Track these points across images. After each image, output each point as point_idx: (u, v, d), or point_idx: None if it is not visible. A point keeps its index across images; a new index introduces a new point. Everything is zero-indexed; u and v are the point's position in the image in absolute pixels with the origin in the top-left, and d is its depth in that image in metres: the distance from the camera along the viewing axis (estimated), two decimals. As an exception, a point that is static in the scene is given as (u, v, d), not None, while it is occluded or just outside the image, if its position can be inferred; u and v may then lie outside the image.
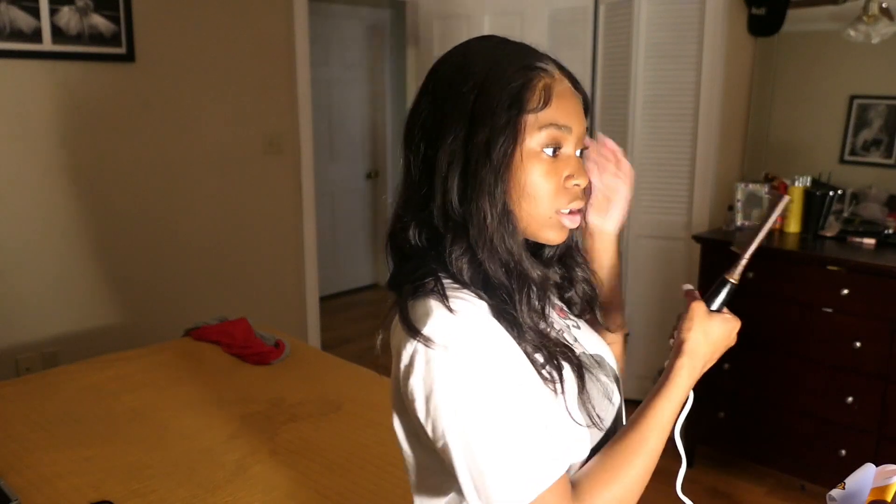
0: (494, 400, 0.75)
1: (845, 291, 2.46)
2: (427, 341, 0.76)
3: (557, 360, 0.81)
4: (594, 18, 3.41)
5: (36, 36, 2.71)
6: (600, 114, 3.45)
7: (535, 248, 0.91)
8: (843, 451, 2.51)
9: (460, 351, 0.75)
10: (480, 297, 0.80)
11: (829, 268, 2.51)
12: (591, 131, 0.89)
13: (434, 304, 0.77)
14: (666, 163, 3.26)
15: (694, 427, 2.92)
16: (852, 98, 2.86)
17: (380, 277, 5.58)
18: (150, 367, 2.39)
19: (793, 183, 2.81)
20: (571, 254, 0.95)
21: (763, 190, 2.90)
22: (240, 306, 3.24)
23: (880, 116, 2.81)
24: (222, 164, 3.33)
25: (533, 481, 0.75)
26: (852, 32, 2.73)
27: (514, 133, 0.79)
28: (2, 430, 1.96)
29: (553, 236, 0.84)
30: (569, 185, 0.82)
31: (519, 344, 0.79)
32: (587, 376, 0.84)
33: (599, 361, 0.90)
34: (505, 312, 0.80)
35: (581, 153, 0.86)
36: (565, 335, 0.89)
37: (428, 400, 0.77)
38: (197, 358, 2.49)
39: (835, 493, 0.83)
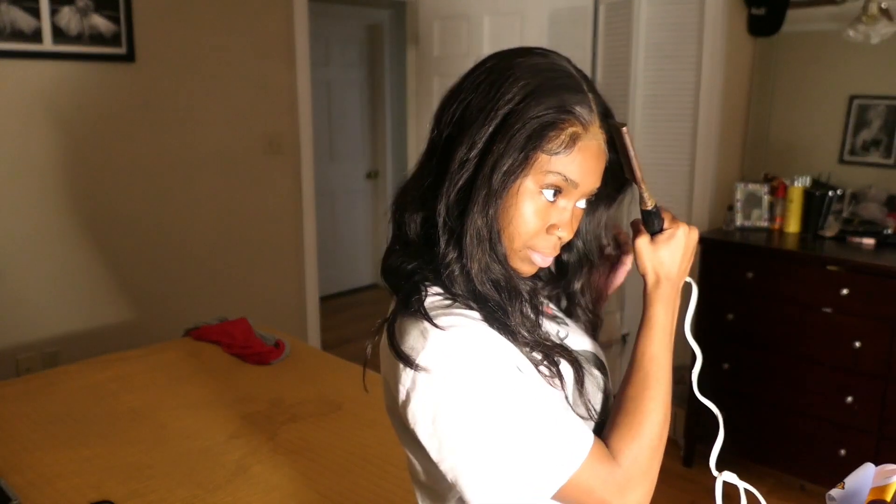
0: (498, 411, 0.75)
1: (845, 291, 2.46)
2: (425, 365, 0.76)
3: (554, 357, 0.82)
4: (594, 18, 3.40)
5: (36, 36, 2.71)
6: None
7: None
8: (843, 451, 2.51)
9: (457, 369, 0.76)
10: (471, 308, 0.80)
11: (829, 268, 2.51)
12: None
13: (426, 327, 0.77)
14: (666, 163, 3.26)
15: (694, 427, 2.92)
16: (852, 98, 2.86)
17: (380, 277, 5.58)
18: (150, 367, 2.39)
19: (793, 183, 2.81)
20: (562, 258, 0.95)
21: (763, 190, 2.90)
22: (240, 306, 3.24)
23: (880, 116, 2.81)
24: (222, 164, 3.33)
25: (564, 462, 0.76)
26: (852, 32, 2.73)
27: (523, 165, 0.78)
28: (2, 430, 1.96)
29: (523, 268, 0.84)
30: (552, 232, 0.82)
31: (515, 345, 0.80)
32: (584, 371, 0.85)
33: (586, 356, 0.91)
34: (497, 320, 0.80)
35: (587, 202, 0.85)
36: (556, 332, 0.90)
37: (432, 422, 0.77)
38: (197, 358, 2.49)
39: (834, 492, 0.83)
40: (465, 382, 0.75)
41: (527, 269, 0.84)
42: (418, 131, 4.20)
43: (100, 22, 2.86)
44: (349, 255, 5.39)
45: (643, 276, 0.88)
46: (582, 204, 0.84)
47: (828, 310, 2.51)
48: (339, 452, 1.87)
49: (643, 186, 0.85)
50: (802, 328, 2.59)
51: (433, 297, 0.81)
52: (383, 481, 1.74)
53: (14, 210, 2.78)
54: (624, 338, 3.43)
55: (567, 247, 0.94)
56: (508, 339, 0.79)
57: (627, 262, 0.99)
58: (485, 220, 0.78)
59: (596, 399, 0.87)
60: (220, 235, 3.38)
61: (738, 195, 2.92)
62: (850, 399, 2.48)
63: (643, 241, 0.87)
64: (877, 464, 0.83)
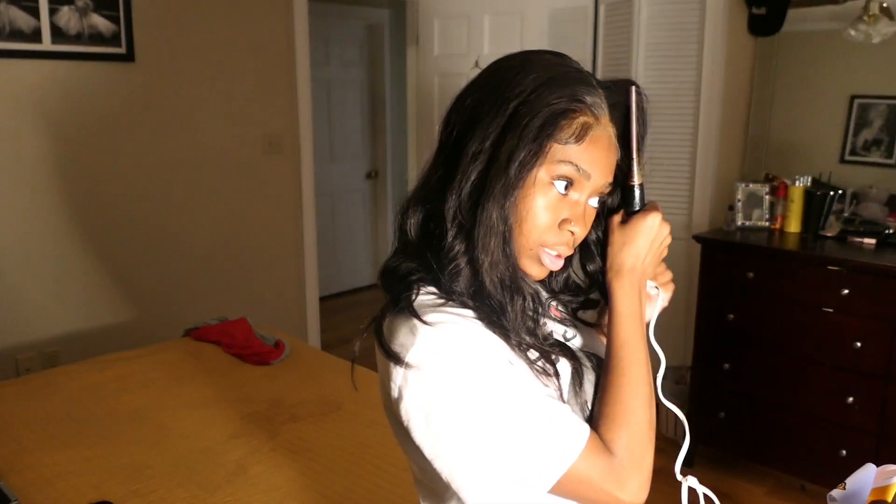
0: (489, 406, 0.75)
1: (845, 291, 2.46)
2: (416, 362, 0.76)
3: (550, 355, 0.81)
4: (594, 18, 3.40)
5: (36, 36, 2.71)
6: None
7: None
8: (844, 451, 2.51)
9: (446, 365, 0.75)
10: (465, 306, 0.80)
11: (830, 268, 2.50)
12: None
13: (415, 324, 0.77)
14: (666, 163, 3.26)
15: (694, 427, 2.92)
16: (852, 98, 2.86)
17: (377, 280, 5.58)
18: (150, 367, 2.39)
19: (793, 183, 2.81)
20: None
21: (763, 190, 2.90)
22: (240, 306, 3.24)
23: (880, 116, 2.81)
24: (222, 165, 3.33)
25: (561, 455, 0.76)
26: (852, 32, 2.73)
27: (537, 155, 0.78)
28: (2, 430, 1.96)
29: (532, 270, 0.83)
30: (564, 227, 0.81)
31: (509, 344, 0.79)
32: (583, 371, 0.85)
33: (591, 358, 0.90)
34: (492, 318, 0.80)
35: (598, 201, 0.85)
36: (562, 333, 0.90)
37: (425, 419, 0.77)
38: (197, 358, 2.49)
39: (835, 493, 0.83)
40: (456, 378, 0.75)
41: (535, 272, 0.83)
42: (418, 131, 4.20)
43: (99, 21, 2.86)
44: (349, 255, 5.38)
45: (606, 262, 0.87)
46: (594, 203, 0.84)
47: (828, 310, 2.51)
48: (339, 452, 1.87)
49: (636, 157, 0.85)
50: (803, 328, 2.59)
51: (425, 297, 0.81)
52: (383, 481, 1.74)
53: (14, 210, 2.77)
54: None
55: (589, 256, 0.93)
56: (501, 338, 0.79)
57: (658, 300, 0.96)
58: (500, 211, 0.78)
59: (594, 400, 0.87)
60: (220, 235, 3.38)
61: (739, 195, 2.92)
62: (850, 399, 2.48)
63: (615, 221, 0.87)
64: (877, 464, 0.83)
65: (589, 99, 0.80)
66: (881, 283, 2.40)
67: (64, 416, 2.04)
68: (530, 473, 0.76)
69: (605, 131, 0.81)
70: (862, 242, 2.63)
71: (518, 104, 0.78)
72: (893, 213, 2.74)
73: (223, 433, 1.96)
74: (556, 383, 0.81)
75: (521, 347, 0.80)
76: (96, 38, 2.86)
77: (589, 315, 1.00)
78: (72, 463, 1.79)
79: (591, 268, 0.93)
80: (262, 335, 2.59)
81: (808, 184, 2.79)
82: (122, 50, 2.94)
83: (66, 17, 2.77)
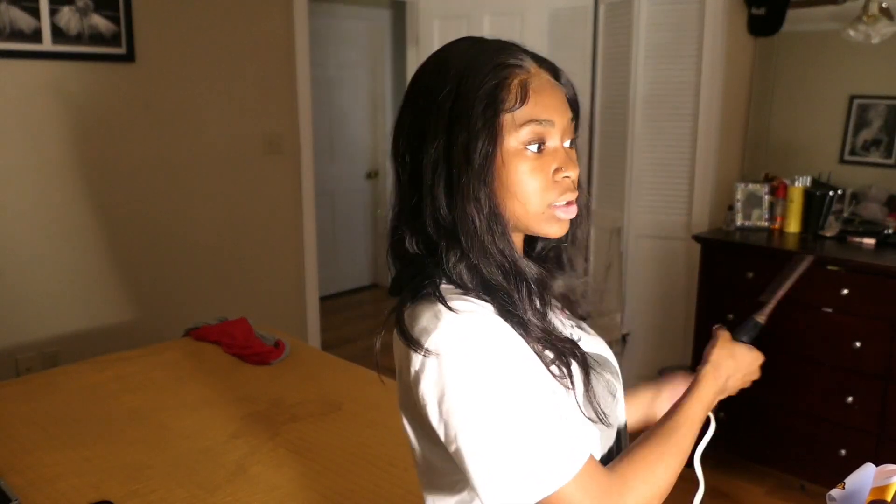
0: (508, 396, 0.75)
1: (845, 291, 2.46)
2: (436, 347, 0.76)
3: (565, 356, 0.81)
4: (594, 18, 3.40)
5: (36, 36, 2.71)
6: (600, 114, 3.45)
7: (528, 248, 0.92)
8: (843, 451, 2.51)
9: (469, 351, 0.75)
10: (483, 300, 0.80)
11: (829, 268, 2.51)
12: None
13: (438, 309, 0.77)
14: (666, 163, 3.26)
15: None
16: (852, 98, 2.86)
17: (380, 277, 5.58)
18: (150, 367, 2.39)
19: (793, 183, 2.81)
20: (561, 255, 0.95)
21: (763, 190, 2.90)
22: (240, 306, 3.24)
23: (880, 116, 2.81)
24: (222, 164, 3.33)
25: (555, 472, 0.75)
26: (852, 32, 2.73)
27: (492, 135, 0.78)
28: (2, 430, 1.96)
29: (551, 230, 0.84)
30: (558, 177, 0.82)
31: (527, 341, 0.79)
32: (592, 373, 0.85)
33: (601, 361, 0.90)
34: (509, 313, 0.80)
35: (571, 143, 0.85)
36: (571, 335, 0.90)
37: (440, 403, 0.76)
38: (197, 358, 2.49)
39: (835, 492, 0.83)
40: (476, 365, 0.75)
41: (556, 230, 0.84)
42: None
43: (100, 22, 2.86)
44: (349, 255, 5.39)
45: (705, 360, 0.95)
46: (568, 144, 0.84)
47: (828, 310, 2.51)
48: (339, 452, 1.87)
49: (773, 304, 1.00)
50: (803, 328, 2.59)
51: (447, 286, 0.82)
52: (383, 481, 1.74)
53: (14, 210, 2.77)
54: (624, 338, 3.44)
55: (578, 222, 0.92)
56: (520, 334, 0.79)
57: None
58: (478, 205, 0.79)
59: (606, 402, 0.86)
60: (220, 235, 3.38)
61: (739, 195, 2.92)
62: (850, 399, 2.48)
63: (725, 334, 0.98)
64: (877, 464, 0.83)
65: (512, 60, 0.81)
66: (881, 283, 2.40)
67: (64, 416, 2.04)
68: (535, 472, 0.75)
69: (542, 77, 0.83)
70: (861, 242, 2.63)
71: (452, 102, 0.79)
72: (893, 213, 2.74)
73: (223, 433, 1.96)
74: (571, 385, 0.81)
75: (538, 343, 0.80)
76: (96, 38, 2.86)
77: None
78: (72, 463, 1.79)
79: (579, 233, 0.93)
80: (262, 335, 2.59)
81: (808, 184, 2.80)
82: (122, 50, 2.94)
83: (67, 17, 2.77)
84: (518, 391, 0.75)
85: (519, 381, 0.76)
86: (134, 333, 3.04)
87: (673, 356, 3.24)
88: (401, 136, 0.84)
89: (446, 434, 0.77)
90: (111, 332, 3.04)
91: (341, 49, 5.08)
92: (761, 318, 0.99)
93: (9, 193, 2.76)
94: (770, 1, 2.97)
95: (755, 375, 0.98)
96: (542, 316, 0.83)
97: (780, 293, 0.99)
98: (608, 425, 0.86)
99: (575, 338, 0.90)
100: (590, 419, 0.82)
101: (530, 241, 0.92)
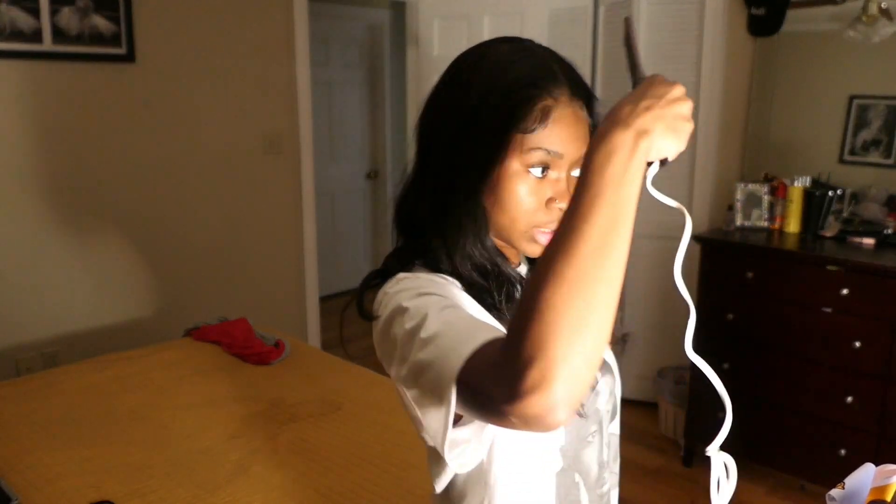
0: (432, 303, 0.72)
1: (845, 291, 2.46)
2: (384, 291, 0.79)
3: None
4: (594, 18, 3.41)
5: (36, 36, 2.71)
6: (600, 114, 3.45)
7: None
8: (843, 451, 2.51)
9: (408, 281, 0.78)
10: (451, 281, 0.82)
11: (829, 268, 2.51)
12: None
13: (400, 275, 0.80)
14: (665, 163, 3.26)
15: (694, 427, 2.92)
16: (852, 98, 2.86)
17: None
18: (150, 367, 2.39)
19: (793, 183, 2.81)
20: None
21: (763, 190, 2.90)
22: (240, 306, 3.24)
23: (880, 116, 2.81)
24: (222, 164, 3.33)
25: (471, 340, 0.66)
26: (852, 32, 2.74)
27: (497, 150, 0.79)
28: (2, 430, 1.96)
29: (529, 249, 0.84)
30: (551, 206, 0.82)
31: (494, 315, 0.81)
32: None
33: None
34: (484, 301, 0.82)
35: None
36: None
37: (383, 341, 0.76)
38: (197, 358, 2.49)
39: (834, 492, 0.83)
40: (407, 290, 0.76)
41: (533, 251, 0.84)
42: (418, 131, 4.20)
43: (100, 22, 2.86)
44: (349, 255, 5.38)
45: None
46: (576, 173, 0.82)
47: (828, 310, 2.51)
48: (339, 452, 1.87)
49: (637, 59, 0.83)
50: (802, 328, 2.59)
51: (419, 268, 0.84)
52: (383, 481, 1.74)
53: (13, 210, 2.77)
54: (624, 337, 3.44)
55: None
56: (494, 316, 0.81)
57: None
58: (466, 210, 0.81)
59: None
60: (220, 235, 3.38)
61: (738, 195, 2.92)
62: (850, 399, 2.48)
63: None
64: (877, 464, 0.83)
65: (542, 82, 0.79)
66: (880, 283, 2.40)
67: (64, 416, 2.04)
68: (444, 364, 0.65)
69: (568, 108, 0.81)
70: (861, 242, 2.63)
71: (474, 105, 0.80)
72: (892, 213, 2.74)
73: (223, 433, 1.96)
74: None
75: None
76: (97, 38, 2.86)
77: None
78: (72, 463, 1.79)
79: None
80: (262, 335, 2.59)
81: (808, 184, 2.80)
82: (122, 50, 2.94)
83: (67, 17, 2.77)
84: (439, 304, 0.72)
85: (445, 302, 0.73)
86: (134, 333, 3.04)
87: (673, 356, 3.24)
88: (427, 115, 0.85)
89: (397, 376, 0.73)
90: (111, 332, 3.04)
91: (341, 49, 5.08)
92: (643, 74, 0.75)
93: (9, 193, 2.76)
94: (770, 1, 2.97)
95: (674, 91, 0.71)
96: None
97: (636, 49, 0.83)
98: (583, 415, 0.87)
99: None
100: None
101: None
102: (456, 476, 0.86)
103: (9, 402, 2.13)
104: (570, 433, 0.86)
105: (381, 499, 1.68)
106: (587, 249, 0.55)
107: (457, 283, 0.82)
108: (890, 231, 2.66)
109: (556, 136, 0.79)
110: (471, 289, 0.82)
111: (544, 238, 0.83)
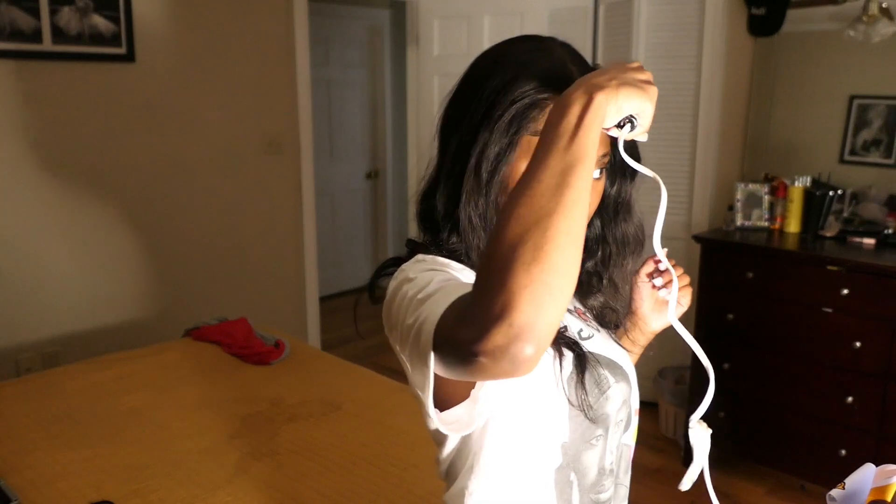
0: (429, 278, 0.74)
1: (845, 291, 2.46)
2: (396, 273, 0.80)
3: (556, 342, 0.83)
4: (594, 18, 3.41)
5: (36, 36, 2.71)
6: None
7: None
8: (843, 451, 2.51)
9: (425, 263, 0.79)
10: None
11: (829, 268, 2.51)
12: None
13: (416, 258, 0.81)
14: (666, 163, 3.26)
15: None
16: (852, 98, 2.86)
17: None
18: (150, 367, 2.39)
19: (793, 183, 2.81)
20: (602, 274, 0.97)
21: (763, 190, 2.90)
22: (240, 306, 3.24)
23: (880, 116, 2.81)
24: (222, 164, 3.33)
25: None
26: (852, 32, 2.73)
27: (508, 151, 0.79)
28: (2, 430, 1.96)
29: None
30: None
31: None
32: (587, 365, 0.85)
33: (605, 362, 0.89)
34: None
35: (601, 173, 0.85)
36: (577, 331, 0.90)
37: (388, 301, 0.78)
38: (197, 358, 2.49)
39: (835, 492, 0.83)
40: (418, 268, 0.77)
41: None
42: (418, 131, 4.20)
43: (100, 22, 2.86)
44: (349, 255, 5.38)
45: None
46: (596, 174, 0.83)
47: (828, 310, 2.51)
48: (339, 452, 1.87)
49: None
50: (802, 328, 2.59)
51: (435, 256, 0.85)
52: (383, 481, 1.74)
53: (14, 210, 2.77)
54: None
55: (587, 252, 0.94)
56: None
57: (670, 298, 0.94)
58: (475, 208, 0.81)
59: (592, 394, 0.85)
60: (220, 235, 3.38)
61: (739, 195, 2.92)
62: (850, 399, 2.48)
63: None
64: (877, 464, 0.83)
65: (557, 85, 0.79)
66: (880, 283, 2.40)
67: (64, 416, 2.04)
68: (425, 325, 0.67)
69: None
70: (861, 242, 2.63)
71: (490, 102, 0.80)
72: (893, 213, 2.74)
73: (223, 433, 1.96)
74: (559, 364, 0.82)
75: None
76: (97, 38, 2.86)
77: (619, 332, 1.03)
78: (72, 463, 1.79)
79: (588, 265, 0.94)
80: (262, 335, 2.59)
81: (808, 184, 2.80)
82: (122, 50, 2.94)
83: (67, 17, 2.77)
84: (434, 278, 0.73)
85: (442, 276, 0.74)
86: (134, 333, 3.04)
87: (673, 356, 3.24)
88: (446, 112, 0.87)
89: (391, 329, 0.76)
90: (111, 332, 3.04)
91: (341, 49, 5.08)
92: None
93: (9, 193, 2.76)
94: (770, 1, 2.97)
95: (632, 63, 0.73)
96: None
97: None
98: (591, 418, 0.85)
99: (585, 335, 0.90)
100: (571, 403, 0.83)
101: None
102: (456, 462, 0.88)
103: (9, 402, 2.13)
104: (575, 431, 0.86)
105: (381, 499, 1.68)
106: (542, 189, 0.58)
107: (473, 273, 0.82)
108: (890, 231, 2.66)
109: None
110: None
111: None
